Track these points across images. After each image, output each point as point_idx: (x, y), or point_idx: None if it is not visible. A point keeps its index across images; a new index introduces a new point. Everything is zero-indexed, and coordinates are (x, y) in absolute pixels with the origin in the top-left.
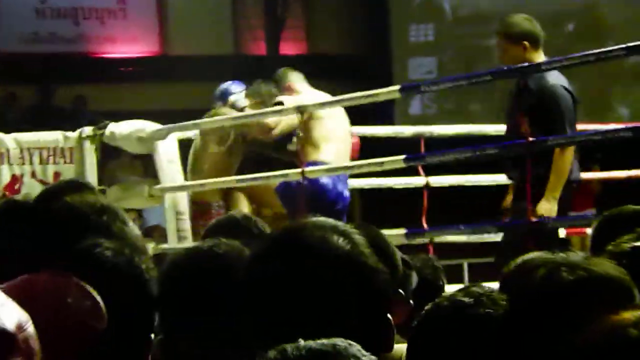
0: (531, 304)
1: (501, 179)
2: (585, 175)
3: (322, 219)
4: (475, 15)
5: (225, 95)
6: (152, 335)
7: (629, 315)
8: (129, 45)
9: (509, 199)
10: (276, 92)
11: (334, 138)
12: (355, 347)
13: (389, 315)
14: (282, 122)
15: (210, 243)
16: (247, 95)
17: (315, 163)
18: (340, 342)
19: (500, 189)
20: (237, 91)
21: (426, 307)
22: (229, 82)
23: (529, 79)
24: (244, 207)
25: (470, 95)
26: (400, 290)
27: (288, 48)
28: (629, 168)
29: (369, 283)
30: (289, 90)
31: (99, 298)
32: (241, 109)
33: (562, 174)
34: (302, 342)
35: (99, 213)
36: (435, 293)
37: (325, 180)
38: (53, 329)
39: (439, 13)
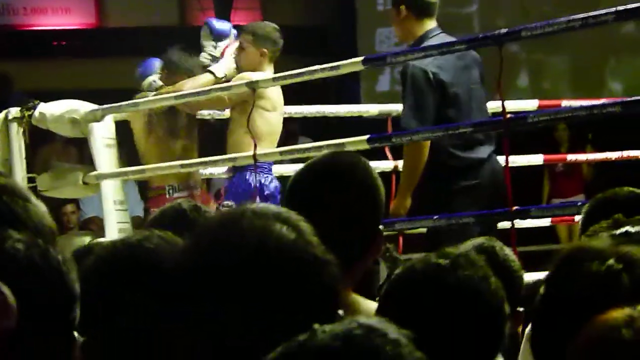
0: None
1: None
2: (572, 157)
3: (263, 205)
4: None
5: (142, 75)
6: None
7: (619, 314)
8: (60, 16)
9: None
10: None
11: (273, 139)
12: (377, 332)
13: (339, 311)
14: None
15: (139, 236)
16: (160, 69)
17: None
18: (357, 327)
19: None
20: (152, 72)
21: (397, 271)
22: (149, 60)
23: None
24: None
25: None
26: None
27: (240, 18)
28: (622, 149)
29: (316, 276)
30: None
31: (8, 292)
32: (156, 89)
33: (411, 167)
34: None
35: None
36: None
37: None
38: None
39: None
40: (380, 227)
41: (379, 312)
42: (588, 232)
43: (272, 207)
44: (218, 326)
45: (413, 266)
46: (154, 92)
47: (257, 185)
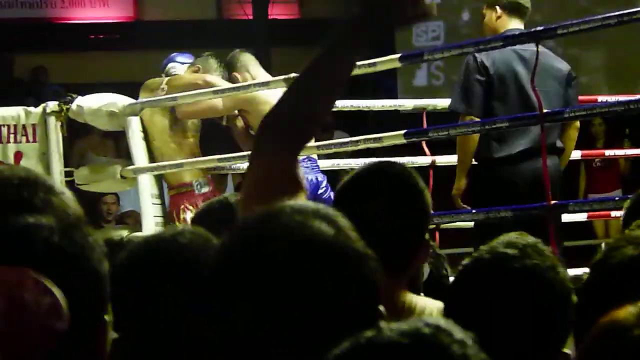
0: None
1: None
2: (610, 152)
3: (301, 202)
4: None
5: (166, 63)
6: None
7: (629, 312)
8: (98, 9)
9: None
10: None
11: None
12: (445, 332)
13: (380, 307)
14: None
15: (172, 231)
16: (192, 64)
17: None
18: (425, 326)
19: None
20: (181, 61)
21: (464, 262)
22: (177, 53)
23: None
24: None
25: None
26: None
27: (278, 11)
28: None
29: (357, 269)
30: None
31: (59, 294)
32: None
33: (463, 152)
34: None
35: (19, 187)
36: (437, 283)
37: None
38: (8, 333)
39: None
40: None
41: (449, 303)
42: (632, 226)
43: (310, 203)
44: (253, 322)
45: (480, 256)
46: (162, 84)
47: (314, 181)
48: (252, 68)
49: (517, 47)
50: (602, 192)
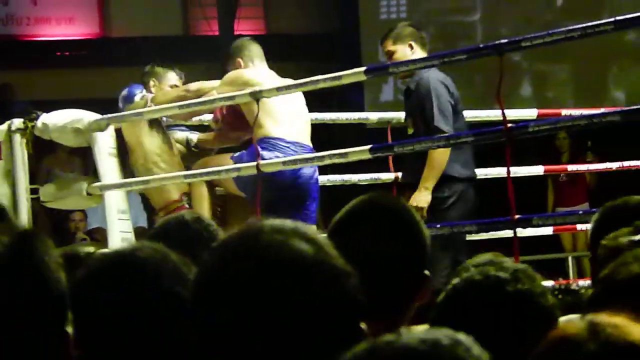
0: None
1: (482, 172)
2: (573, 167)
3: (281, 220)
4: None
5: (130, 97)
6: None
7: (578, 328)
8: (64, 26)
9: None
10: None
11: (287, 118)
12: (463, 346)
13: (362, 325)
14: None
15: (131, 247)
16: (147, 80)
17: (265, 140)
18: (445, 338)
19: (484, 184)
20: (138, 91)
21: (453, 282)
22: (128, 87)
23: (411, 81)
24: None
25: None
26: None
27: (244, 27)
28: (623, 156)
29: (338, 287)
30: (410, 48)
31: None
32: (149, 100)
33: (435, 166)
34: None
35: None
36: None
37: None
38: None
39: None
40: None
41: (436, 320)
42: (608, 238)
43: (289, 222)
44: (234, 338)
45: (471, 277)
46: (148, 102)
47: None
48: (257, 61)
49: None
50: (570, 206)
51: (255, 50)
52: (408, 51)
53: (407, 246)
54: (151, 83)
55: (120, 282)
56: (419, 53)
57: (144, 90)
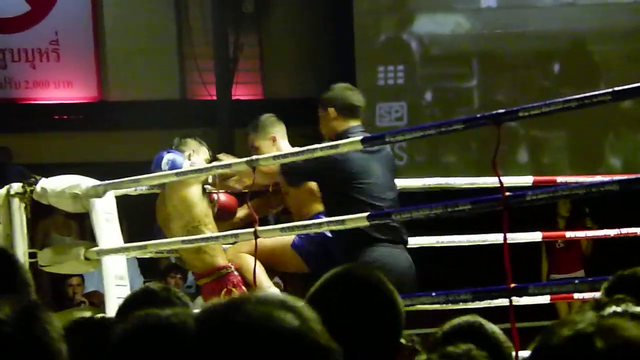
0: None
1: (480, 238)
2: (572, 233)
3: (267, 293)
4: (450, 55)
5: (177, 166)
6: None
7: (587, 320)
8: (62, 90)
9: None
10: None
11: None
12: None
13: None
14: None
15: (163, 313)
16: (183, 150)
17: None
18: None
19: (481, 251)
20: (184, 160)
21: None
22: (167, 152)
23: None
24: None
25: (445, 145)
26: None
27: (241, 92)
28: (621, 222)
29: None
30: (272, 141)
31: None
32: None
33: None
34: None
35: None
36: None
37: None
38: None
39: (409, 52)
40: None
41: None
42: (586, 306)
43: (276, 294)
44: None
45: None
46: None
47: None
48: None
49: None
50: (564, 273)
51: (279, 127)
52: (328, 117)
53: (383, 316)
54: (188, 153)
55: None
56: (341, 121)
57: (188, 159)
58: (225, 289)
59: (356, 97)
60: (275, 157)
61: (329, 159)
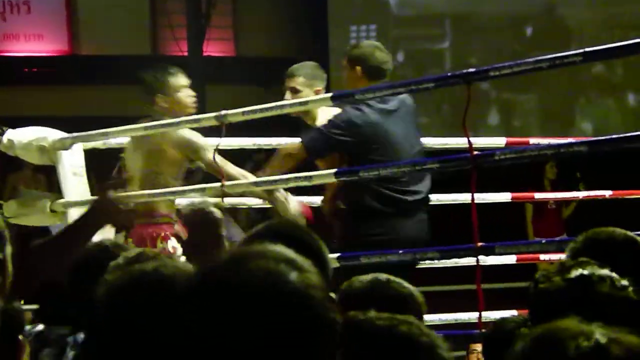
0: None
1: (448, 198)
2: (541, 195)
3: (268, 245)
4: (424, 16)
5: None
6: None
7: (572, 324)
8: (32, 43)
9: None
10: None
11: None
12: None
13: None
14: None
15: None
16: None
17: None
18: None
19: (447, 209)
20: None
21: None
22: None
23: None
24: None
25: (417, 107)
26: None
27: (213, 49)
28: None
29: (318, 314)
30: (315, 95)
31: None
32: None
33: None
34: None
35: None
36: None
37: None
38: None
39: (383, 13)
40: None
41: None
42: (540, 272)
43: (278, 248)
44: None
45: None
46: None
47: None
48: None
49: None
50: (551, 236)
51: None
52: (354, 76)
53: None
54: (159, 100)
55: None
56: (365, 83)
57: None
58: (163, 233)
59: (385, 59)
60: (244, 113)
61: (347, 124)
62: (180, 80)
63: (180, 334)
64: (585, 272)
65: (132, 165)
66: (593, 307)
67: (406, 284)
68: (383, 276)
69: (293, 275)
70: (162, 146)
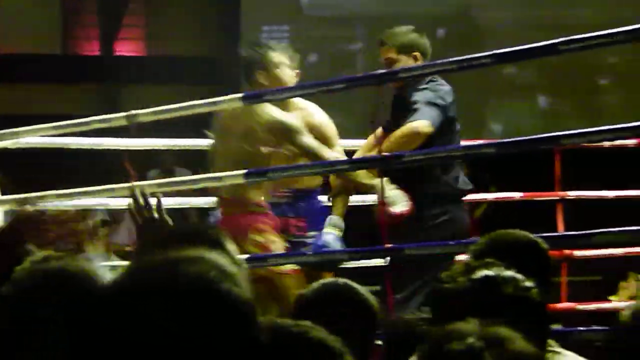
0: None
1: (357, 199)
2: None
3: (203, 252)
4: (338, 17)
5: None
6: None
7: (471, 330)
8: None
9: None
10: None
11: None
12: None
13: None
14: None
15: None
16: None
17: None
18: None
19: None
20: None
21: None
22: None
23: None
24: None
25: (330, 106)
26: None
27: (125, 48)
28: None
29: (244, 326)
30: (414, 61)
31: None
32: None
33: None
34: None
35: None
36: None
37: None
38: None
39: (296, 14)
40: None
41: None
42: (445, 273)
43: (213, 256)
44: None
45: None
46: None
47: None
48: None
49: None
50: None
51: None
52: (411, 62)
53: None
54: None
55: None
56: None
57: None
58: (254, 226)
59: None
60: (156, 112)
61: (444, 106)
62: (282, 56)
63: (97, 333)
64: (491, 273)
65: (223, 149)
66: (497, 308)
67: (360, 289)
68: (340, 281)
69: (224, 284)
70: (254, 128)
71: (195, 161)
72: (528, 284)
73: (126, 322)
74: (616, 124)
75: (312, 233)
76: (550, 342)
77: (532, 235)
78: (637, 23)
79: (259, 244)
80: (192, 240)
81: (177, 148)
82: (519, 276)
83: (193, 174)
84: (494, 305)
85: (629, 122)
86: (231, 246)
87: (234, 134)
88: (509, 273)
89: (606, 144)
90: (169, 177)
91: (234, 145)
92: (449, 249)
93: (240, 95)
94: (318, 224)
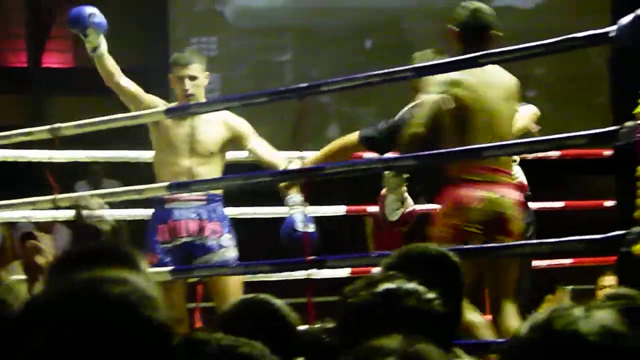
0: None
1: (281, 210)
2: (373, 208)
3: (124, 273)
4: (265, 28)
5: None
6: None
7: (391, 342)
8: None
9: None
10: None
11: None
12: None
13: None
14: None
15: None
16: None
17: None
18: None
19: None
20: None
21: None
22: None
23: None
24: None
25: (259, 118)
26: None
27: (53, 60)
28: None
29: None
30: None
31: None
32: None
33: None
34: None
35: None
36: None
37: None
38: None
39: (223, 25)
40: None
41: None
42: (349, 286)
43: (135, 278)
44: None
45: None
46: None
47: None
48: None
49: None
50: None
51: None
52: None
53: None
54: None
55: None
56: None
57: None
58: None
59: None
60: (78, 126)
61: None
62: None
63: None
64: (392, 285)
65: None
66: (399, 320)
67: (279, 303)
68: (260, 296)
69: (145, 310)
70: None
71: (125, 172)
72: (430, 295)
73: (43, 346)
74: (543, 136)
75: (228, 236)
76: (457, 350)
77: (441, 249)
78: (567, 30)
79: None
80: (107, 259)
81: (104, 160)
82: (421, 288)
83: (122, 186)
84: (397, 318)
85: (557, 134)
86: (144, 265)
87: None
88: (411, 285)
89: (529, 156)
90: (97, 189)
91: None
92: (370, 260)
93: (162, 109)
94: (230, 228)
